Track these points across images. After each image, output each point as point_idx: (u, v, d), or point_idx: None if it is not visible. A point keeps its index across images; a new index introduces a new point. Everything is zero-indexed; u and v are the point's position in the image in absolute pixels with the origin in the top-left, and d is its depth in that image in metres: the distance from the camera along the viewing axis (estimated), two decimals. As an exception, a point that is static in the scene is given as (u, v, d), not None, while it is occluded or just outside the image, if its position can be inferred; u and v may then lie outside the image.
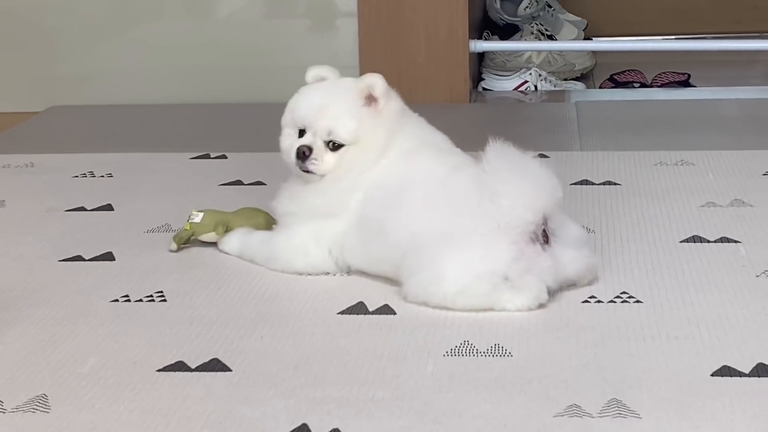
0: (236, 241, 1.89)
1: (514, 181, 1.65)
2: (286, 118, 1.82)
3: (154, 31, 3.20)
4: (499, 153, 1.67)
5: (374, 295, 1.71)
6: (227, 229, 1.93)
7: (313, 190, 1.79)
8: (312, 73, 1.83)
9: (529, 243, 1.64)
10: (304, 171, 1.76)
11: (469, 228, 1.65)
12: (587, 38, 4.16)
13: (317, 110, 1.77)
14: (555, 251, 1.66)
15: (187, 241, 1.94)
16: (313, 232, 1.79)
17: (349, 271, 1.80)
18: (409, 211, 1.71)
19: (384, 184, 1.75)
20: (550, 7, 4.09)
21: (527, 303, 1.62)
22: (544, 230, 1.64)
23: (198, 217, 1.93)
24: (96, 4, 3.19)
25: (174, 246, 1.94)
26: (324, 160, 1.76)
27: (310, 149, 1.75)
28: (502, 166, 1.66)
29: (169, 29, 3.20)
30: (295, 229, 1.81)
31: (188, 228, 1.93)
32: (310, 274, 1.80)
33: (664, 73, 3.54)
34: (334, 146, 1.75)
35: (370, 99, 1.77)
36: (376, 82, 1.76)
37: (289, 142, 1.79)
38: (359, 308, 1.67)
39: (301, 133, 1.78)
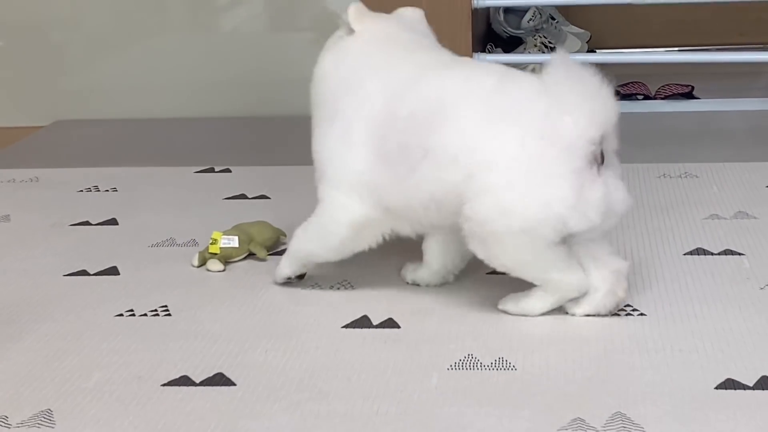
0: (285, 261, 1.81)
1: (576, 95, 1.58)
2: None
3: (158, 45, 3.21)
4: (561, 64, 1.60)
5: (378, 308, 1.71)
6: (250, 241, 1.93)
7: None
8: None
9: (587, 167, 1.57)
10: None
11: (537, 150, 1.56)
12: (590, 50, 4.16)
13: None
14: (606, 176, 1.59)
15: (205, 261, 1.93)
16: (333, 188, 1.73)
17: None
18: (464, 127, 1.60)
19: (406, 111, 1.65)
20: (553, 19, 4.09)
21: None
22: (601, 151, 1.58)
23: (234, 241, 1.92)
24: (100, 19, 3.19)
25: (196, 262, 1.93)
26: None
27: None
28: (563, 79, 1.59)
29: (173, 43, 3.21)
30: (321, 198, 1.76)
31: (218, 251, 1.92)
32: (364, 236, 1.73)
33: (667, 85, 3.54)
34: None
35: (350, 30, 1.77)
36: (348, 11, 1.77)
37: None
38: (363, 322, 1.67)
39: None
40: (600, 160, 1.58)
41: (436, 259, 1.79)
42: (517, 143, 1.57)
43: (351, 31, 1.76)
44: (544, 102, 1.58)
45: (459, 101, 1.63)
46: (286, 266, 1.80)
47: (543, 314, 1.66)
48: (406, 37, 1.78)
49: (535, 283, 1.66)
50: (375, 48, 1.75)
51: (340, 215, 1.72)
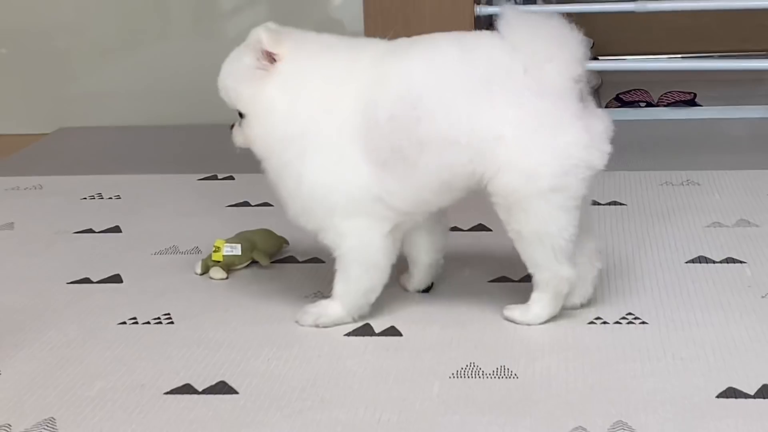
0: (339, 308, 1.70)
1: (546, 41, 1.58)
2: None
3: (161, 52, 3.21)
4: (516, 18, 1.60)
5: (380, 317, 1.72)
6: (253, 249, 1.93)
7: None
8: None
9: (580, 104, 1.58)
10: None
11: (534, 108, 1.56)
12: (593, 58, 4.15)
13: (219, 80, 1.71)
14: (593, 108, 1.61)
15: (207, 269, 1.93)
16: (350, 217, 1.65)
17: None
18: (455, 109, 1.58)
19: (386, 115, 1.59)
20: (556, 26, 4.09)
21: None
22: (585, 86, 1.60)
23: (237, 249, 1.92)
24: (103, 27, 3.20)
25: (199, 270, 1.94)
26: (234, 133, 1.72)
27: (232, 126, 1.72)
28: (526, 31, 1.59)
29: (176, 50, 3.21)
30: (341, 234, 1.67)
31: (221, 259, 1.92)
32: (396, 240, 1.68)
33: (670, 92, 3.54)
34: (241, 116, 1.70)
35: (268, 55, 1.64)
36: (260, 36, 1.64)
37: None
38: (365, 330, 1.68)
39: None
40: (587, 95, 1.60)
41: (421, 253, 1.78)
42: (513, 110, 1.56)
43: (267, 55, 1.64)
44: (518, 59, 1.57)
45: (434, 86, 1.59)
46: (337, 312, 1.69)
47: (548, 320, 1.66)
48: (333, 41, 1.70)
49: (534, 267, 1.64)
50: (319, 64, 1.66)
51: (371, 237, 1.66)
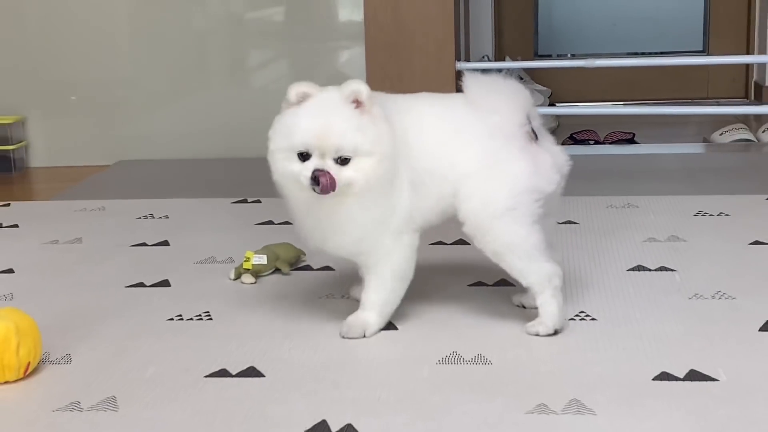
0: (375, 318, 1.62)
1: (493, 96, 1.59)
2: (280, 143, 1.52)
3: (201, 99, 3.21)
4: (474, 80, 1.60)
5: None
6: (277, 259, 1.93)
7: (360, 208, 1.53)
8: (295, 90, 1.52)
9: (529, 144, 1.58)
10: (321, 193, 1.49)
11: (490, 149, 1.56)
12: (551, 104, 4.17)
13: (320, 131, 1.48)
14: (546, 145, 1.61)
15: (239, 275, 1.93)
16: (396, 233, 1.58)
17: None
18: (441, 151, 1.57)
19: (413, 142, 1.56)
20: (521, 78, 4.10)
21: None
22: (531, 128, 1.58)
23: (263, 259, 1.91)
24: (154, 79, 3.20)
25: (233, 276, 1.93)
26: (342, 176, 1.48)
27: (325, 172, 1.48)
28: (480, 89, 1.59)
29: (214, 98, 3.21)
30: (388, 245, 1.58)
31: (251, 267, 1.91)
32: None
33: (613, 132, 3.55)
34: (343, 161, 1.49)
35: (357, 104, 1.50)
36: (360, 88, 1.50)
37: (294, 168, 1.50)
38: (368, 325, 1.67)
39: (303, 156, 1.50)
40: (534, 136, 1.59)
41: None
42: (475, 151, 1.56)
43: (359, 104, 1.51)
44: (476, 112, 1.58)
45: (427, 134, 1.58)
46: (377, 322, 1.61)
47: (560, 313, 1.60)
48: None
49: (521, 276, 1.60)
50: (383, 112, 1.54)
51: (409, 252, 1.60)
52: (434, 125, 1.59)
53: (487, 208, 1.56)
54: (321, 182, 1.47)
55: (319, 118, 1.49)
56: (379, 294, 1.61)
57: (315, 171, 1.47)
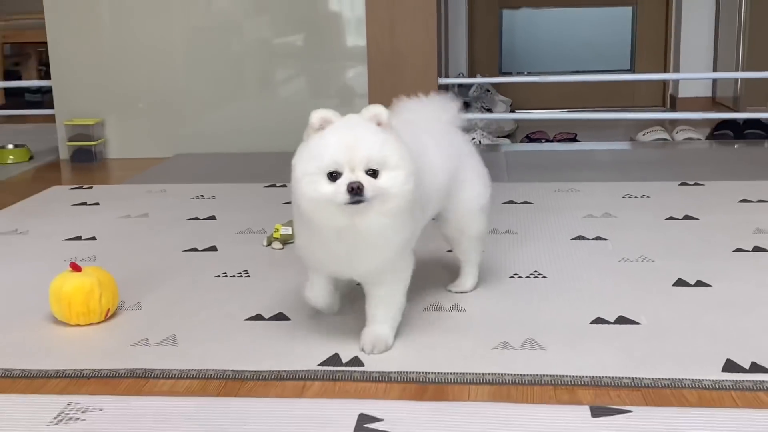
0: (389, 330, 1.36)
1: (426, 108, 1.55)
2: (307, 168, 1.23)
3: (239, 105, 3.21)
4: (405, 104, 1.55)
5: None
6: (293, 229, 1.92)
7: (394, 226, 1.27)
8: (318, 115, 1.25)
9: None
10: (355, 203, 1.21)
11: (475, 164, 1.55)
12: (512, 111, 4.17)
13: (349, 144, 1.21)
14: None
15: (270, 243, 1.92)
16: (410, 247, 1.36)
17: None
18: (443, 169, 1.47)
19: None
20: (488, 91, 4.10)
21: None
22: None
23: (289, 230, 1.89)
24: (203, 89, 3.20)
25: (265, 243, 1.93)
26: (375, 186, 1.22)
27: (361, 183, 1.20)
28: (413, 107, 1.54)
29: (249, 105, 3.21)
30: (407, 257, 1.36)
31: (279, 236, 1.91)
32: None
33: (560, 133, 3.56)
34: (373, 173, 1.22)
35: (379, 125, 1.26)
36: (381, 111, 1.25)
37: (326, 190, 1.22)
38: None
39: (332, 176, 1.22)
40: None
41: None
42: (468, 165, 1.55)
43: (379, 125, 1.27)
44: (464, 140, 1.57)
45: (431, 157, 1.43)
46: (392, 334, 1.36)
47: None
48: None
49: (469, 256, 1.58)
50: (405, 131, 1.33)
51: (411, 266, 1.38)
52: (437, 151, 1.45)
53: (477, 201, 1.55)
54: (358, 188, 1.20)
55: (346, 134, 1.23)
56: (391, 309, 1.36)
57: (350, 183, 1.20)
